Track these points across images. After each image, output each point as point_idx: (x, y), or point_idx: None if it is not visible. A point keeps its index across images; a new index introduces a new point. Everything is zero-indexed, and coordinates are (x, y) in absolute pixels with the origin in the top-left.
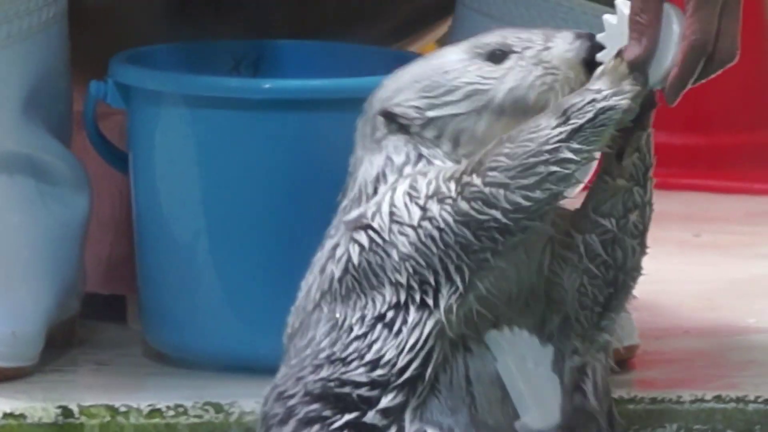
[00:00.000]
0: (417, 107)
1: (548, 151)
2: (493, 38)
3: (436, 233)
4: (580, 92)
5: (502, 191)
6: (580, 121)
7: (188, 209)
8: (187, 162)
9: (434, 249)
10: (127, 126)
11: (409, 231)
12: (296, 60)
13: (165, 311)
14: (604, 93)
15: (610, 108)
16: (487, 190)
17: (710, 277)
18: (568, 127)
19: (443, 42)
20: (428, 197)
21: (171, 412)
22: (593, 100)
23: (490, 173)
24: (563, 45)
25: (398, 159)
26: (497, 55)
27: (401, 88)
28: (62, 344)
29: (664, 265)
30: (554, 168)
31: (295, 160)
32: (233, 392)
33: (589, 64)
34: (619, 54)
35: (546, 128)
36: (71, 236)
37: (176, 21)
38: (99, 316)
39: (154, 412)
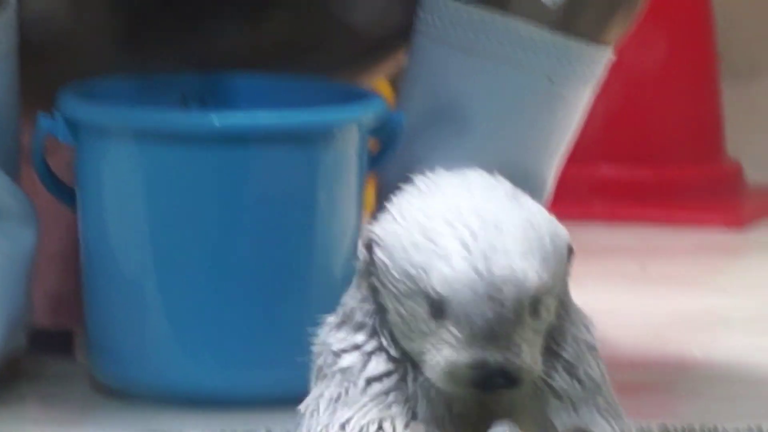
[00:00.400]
0: None
1: None
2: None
3: None
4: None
5: None
6: None
7: (136, 244)
8: (135, 197)
9: None
10: (75, 160)
11: None
12: (245, 93)
13: (112, 345)
14: None
15: None
16: None
17: (657, 310)
18: None
19: (399, 74)
20: None
21: None
22: None
23: None
24: (454, 353)
25: None
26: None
27: None
28: (9, 378)
29: (611, 298)
30: None
31: (244, 194)
32: (180, 425)
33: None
34: None
35: None
36: (17, 270)
37: (125, 53)
38: (46, 350)
39: None
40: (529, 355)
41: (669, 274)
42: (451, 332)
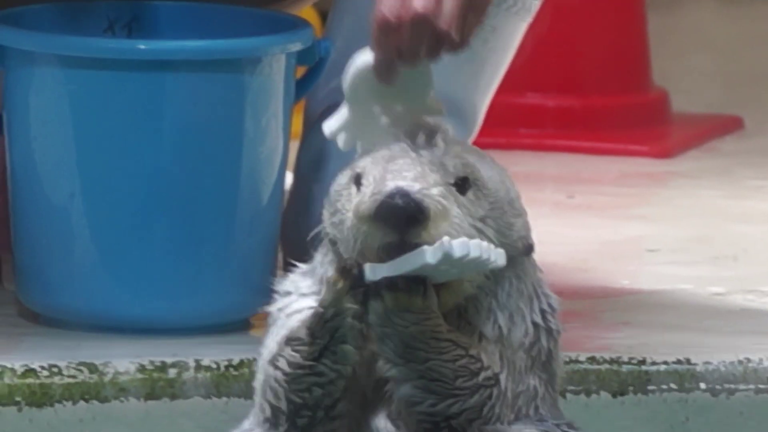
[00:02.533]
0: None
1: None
2: (361, 164)
3: None
4: (315, 311)
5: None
6: (322, 342)
7: (63, 170)
8: (62, 123)
9: None
10: (2, 86)
11: None
12: (171, 21)
13: (39, 272)
14: (328, 313)
15: (338, 328)
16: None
17: (584, 239)
18: (315, 348)
19: (328, 3)
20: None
21: (45, 372)
22: (324, 320)
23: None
24: (363, 196)
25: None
26: (359, 183)
27: None
28: None
29: (538, 227)
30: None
31: (171, 121)
32: (107, 353)
33: (384, 218)
34: (343, 269)
35: (302, 350)
36: None
37: None
38: None
39: (29, 372)
40: (438, 194)
41: (595, 203)
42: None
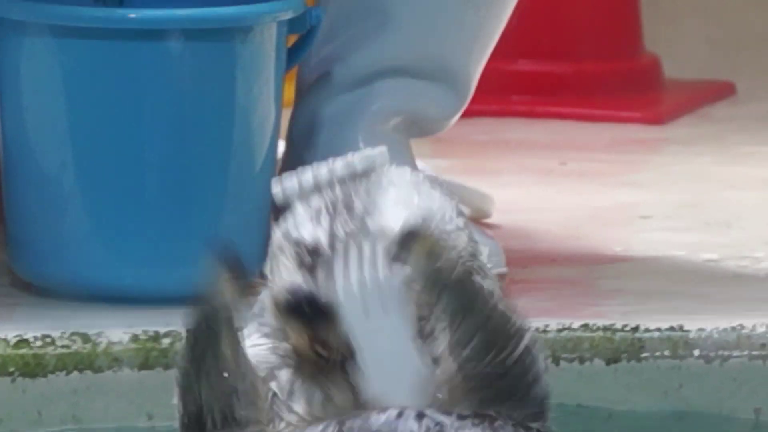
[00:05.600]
0: None
1: None
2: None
3: None
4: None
5: None
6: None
7: (54, 139)
8: (53, 92)
9: None
10: None
11: None
12: None
13: (31, 241)
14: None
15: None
16: None
17: (577, 206)
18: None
19: None
20: None
21: (38, 343)
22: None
23: None
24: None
25: None
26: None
27: None
28: None
29: (531, 194)
30: None
31: (162, 90)
32: (100, 322)
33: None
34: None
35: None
36: None
37: None
38: None
39: (21, 342)
40: None
41: (588, 169)
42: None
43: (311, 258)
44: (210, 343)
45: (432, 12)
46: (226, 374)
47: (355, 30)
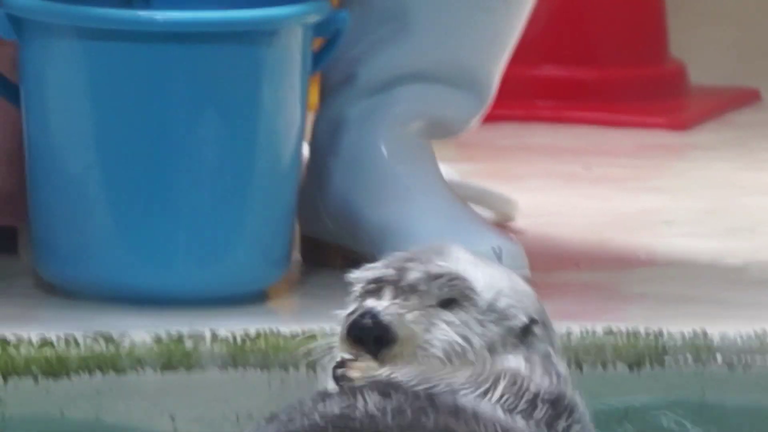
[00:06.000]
0: None
1: None
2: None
3: None
4: None
5: None
6: None
7: (79, 142)
8: (78, 94)
9: None
10: (19, 58)
11: None
12: None
13: (56, 243)
14: None
15: None
16: None
17: (600, 211)
18: None
19: None
20: None
21: (62, 343)
22: None
23: None
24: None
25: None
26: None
27: None
28: None
29: (555, 198)
30: None
31: (188, 93)
32: (123, 324)
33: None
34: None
35: None
36: None
37: None
38: None
39: (45, 343)
40: (410, 318)
41: (612, 175)
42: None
43: (375, 284)
44: None
45: (450, 17)
46: None
47: (376, 35)
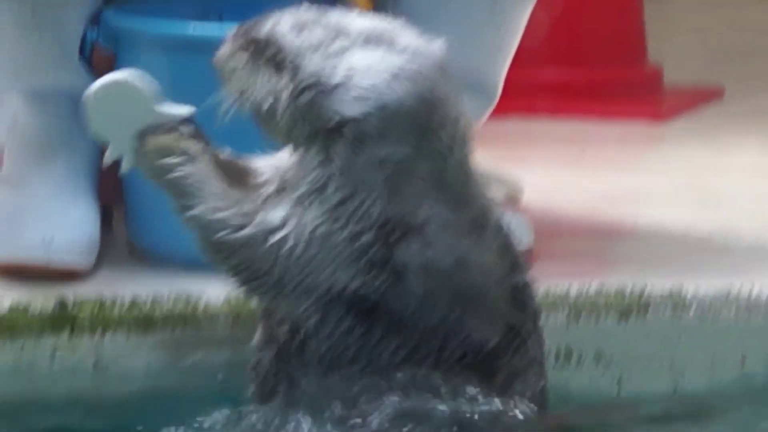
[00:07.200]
0: None
1: None
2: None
3: None
4: None
5: None
6: None
7: None
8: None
9: None
10: (115, 66)
11: None
12: (261, 8)
13: (148, 217)
14: None
15: None
16: None
17: (593, 189)
18: None
19: None
20: None
21: (149, 303)
22: None
23: None
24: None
25: None
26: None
27: None
28: None
29: (555, 179)
30: None
31: None
32: (201, 287)
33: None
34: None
35: None
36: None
37: None
38: None
39: (135, 304)
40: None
41: (602, 158)
42: None
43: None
44: None
45: (455, 20)
46: None
47: None
